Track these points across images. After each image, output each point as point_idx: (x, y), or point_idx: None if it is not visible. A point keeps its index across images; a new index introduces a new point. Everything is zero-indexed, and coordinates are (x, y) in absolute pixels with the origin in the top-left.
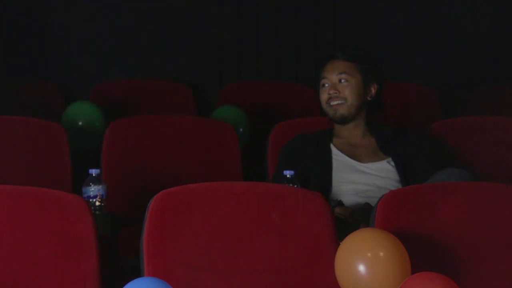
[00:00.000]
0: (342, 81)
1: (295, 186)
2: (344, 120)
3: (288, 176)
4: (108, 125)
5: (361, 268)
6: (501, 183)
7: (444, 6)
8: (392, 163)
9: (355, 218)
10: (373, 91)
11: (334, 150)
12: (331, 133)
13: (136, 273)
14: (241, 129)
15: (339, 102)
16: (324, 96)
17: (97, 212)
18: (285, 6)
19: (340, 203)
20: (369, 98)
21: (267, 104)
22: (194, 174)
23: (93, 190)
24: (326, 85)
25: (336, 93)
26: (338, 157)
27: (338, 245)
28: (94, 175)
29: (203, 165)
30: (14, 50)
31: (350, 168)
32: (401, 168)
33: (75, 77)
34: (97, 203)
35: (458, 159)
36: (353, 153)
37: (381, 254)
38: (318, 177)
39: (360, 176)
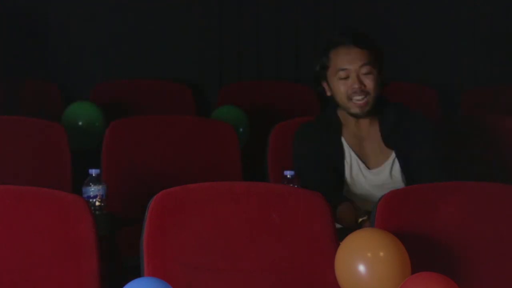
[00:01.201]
0: (365, 72)
1: (295, 186)
2: (364, 115)
3: (288, 176)
4: (108, 125)
5: (361, 268)
6: (501, 183)
7: (444, 6)
8: (396, 159)
9: None
10: (383, 77)
11: (345, 144)
12: (340, 123)
13: (136, 273)
14: (241, 129)
15: (363, 97)
16: (345, 89)
17: (97, 212)
18: (285, 6)
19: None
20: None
21: (267, 104)
22: (194, 174)
23: (93, 190)
24: (348, 77)
25: (361, 87)
26: (348, 154)
27: (338, 245)
28: (94, 175)
29: (203, 165)
30: (15, 50)
31: (357, 173)
32: (402, 161)
33: (75, 77)
34: (97, 203)
35: (458, 159)
36: (360, 151)
37: (381, 254)
38: (333, 169)
39: (368, 181)
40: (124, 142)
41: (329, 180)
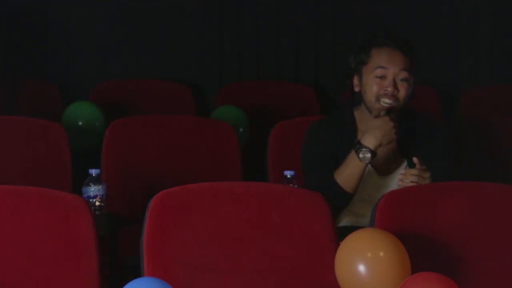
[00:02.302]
0: (402, 78)
1: (295, 186)
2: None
3: (288, 176)
4: (108, 125)
5: (361, 268)
6: (501, 183)
7: (444, 6)
8: (407, 167)
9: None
10: (414, 92)
11: None
12: (356, 125)
13: (136, 273)
14: (241, 129)
15: (392, 102)
16: (377, 89)
17: (97, 212)
18: (285, 6)
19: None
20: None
21: (267, 104)
22: (194, 174)
23: (93, 190)
24: (385, 77)
25: (395, 92)
26: None
27: (338, 245)
28: (94, 175)
29: (203, 165)
30: (14, 50)
31: (366, 178)
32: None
33: (75, 77)
34: (97, 203)
35: (458, 159)
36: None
37: (381, 254)
38: None
39: (377, 187)
40: (124, 142)
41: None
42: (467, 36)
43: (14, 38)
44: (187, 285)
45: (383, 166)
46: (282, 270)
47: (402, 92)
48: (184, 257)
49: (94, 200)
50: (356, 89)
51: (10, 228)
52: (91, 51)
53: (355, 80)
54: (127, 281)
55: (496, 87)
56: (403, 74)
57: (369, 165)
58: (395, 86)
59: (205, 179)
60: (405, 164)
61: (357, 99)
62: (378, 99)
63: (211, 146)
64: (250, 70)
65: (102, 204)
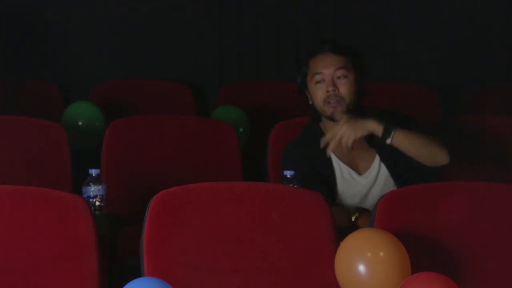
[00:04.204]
0: (339, 76)
1: (295, 186)
2: (340, 117)
3: (288, 176)
4: (108, 125)
5: (361, 268)
6: (501, 183)
7: (444, 6)
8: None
9: None
10: (363, 85)
11: (333, 157)
12: (324, 134)
13: (136, 273)
14: (241, 129)
15: (337, 100)
16: (321, 94)
17: (97, 212)
18: (285, 6)
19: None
20: (360, 93)
21: (267, 104)
22: (194, 174)
23: (93, 190)
24: (323, 81)
25: (334, 90)
26: (338, 165)
27: (338, 245)
28: (94, 175)
29: (203, 165)
30: (14, 50)
31: (350, 181)
32: (387, 158)
33: (75, 77)
34: (97, 203)
35: (457, 159)
36: (349, 159)
37: (381, 254)
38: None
39: (360, 189)
40: (124, 142)
41: (324, 190)
42: (467, 36)
43: (14, 38)
44: (187, 285)
45: (361, 165)
46: (282, 270)
47: (342, 89)
48: (184, 257)
49: (94, 200)
50: (310, 102)
51: (10, 228)
52: (91, 51)
53: (307, 94)
54: (127, 281)
55: (496, 87)
56: (340, 72)
57: (349, 169)
58: (335, 85)
59: (205, 179)
60: (377, 155)
61: (315, 111)
62: (325, 102)
63: (211, 146)
64: (250, 70)
65: (102, 204)
